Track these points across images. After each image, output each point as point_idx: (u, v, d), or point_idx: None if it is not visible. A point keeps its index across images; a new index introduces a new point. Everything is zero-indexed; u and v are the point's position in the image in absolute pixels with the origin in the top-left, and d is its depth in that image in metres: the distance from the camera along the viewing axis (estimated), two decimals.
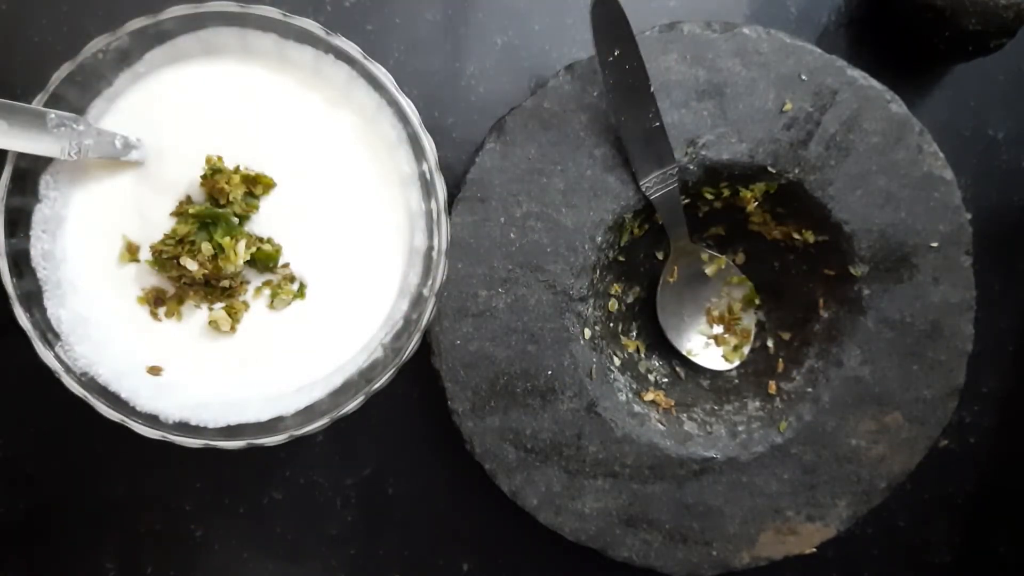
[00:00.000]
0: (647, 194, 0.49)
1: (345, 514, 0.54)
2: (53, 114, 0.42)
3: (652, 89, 0.47)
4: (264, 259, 0.46)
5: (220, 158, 0.46)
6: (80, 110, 0.45)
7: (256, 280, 0.47)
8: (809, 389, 0.51)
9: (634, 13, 0.45)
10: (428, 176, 0.46)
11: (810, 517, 0.50)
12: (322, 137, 0.47)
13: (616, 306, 0.54)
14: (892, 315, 0.50)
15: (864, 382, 0.50)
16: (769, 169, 0.49)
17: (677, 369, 0.56)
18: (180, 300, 0.47)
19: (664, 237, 0.53)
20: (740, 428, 0.51)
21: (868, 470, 0.50)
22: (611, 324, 0.54)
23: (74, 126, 0.43)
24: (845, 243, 0.50)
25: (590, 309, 0.51)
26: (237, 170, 0.46)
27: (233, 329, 0.47)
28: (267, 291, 0.47)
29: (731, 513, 0.50)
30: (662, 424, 0.51)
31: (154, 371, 0.47)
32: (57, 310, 0.46)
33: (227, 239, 0.45)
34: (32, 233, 0.46)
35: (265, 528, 0.54)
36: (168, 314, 0.47)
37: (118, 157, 0.45)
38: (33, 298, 0.45)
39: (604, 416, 0.49)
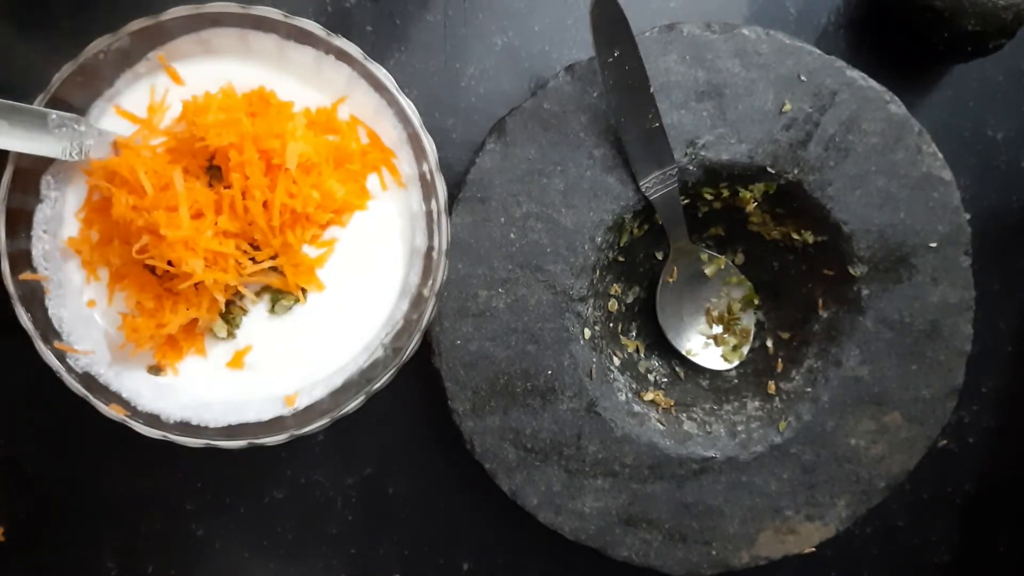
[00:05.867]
0: (647, 194, 0.49)
1: (346, 513, 0.54)
2: (54, 115, 0.42)
3: (652, 90, 0.47)
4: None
5: None
6: (81, 111, 0.45)
7: (256, 284, 0.47)
8: (808, 389, 0.51)
9: (634, 14, 0.45)
10: (428, 176, 0.46)
11: (809, 517, 0.50)
12: None
13: (616, 306, 0.54)
14: (891, 315, 0.50)
15: (863, 382, 0.50)
16: (768, 169, 0.50)
17: (677, 369, 0.56)
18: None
19: (664, 237, 0.53)
20: (739, 428, 0.52)
21: (867, 470, 0.50)
22: (611, 324, 0.54)
23: (75, 127, 0.43)
24: (844, 243, 0.50)
25: (590, 309, 0.51)
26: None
27: (231, 335, 0.47)
28: (268, 296, 0.47)
29: (730, 513, 0.50)
30: (662, 424, 0.52)
31: (155, 371, 0.47)
32: (58, 310, 0.46)
33: None
34: (33, 233, 0.46)
35: (266, 527, 0.54)
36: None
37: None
38: (35, 298, 0.45)
39: (604, 416, 0.49)
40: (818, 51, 0.49)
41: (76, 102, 0.45)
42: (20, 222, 0.45)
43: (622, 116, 0.47)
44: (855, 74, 0.49)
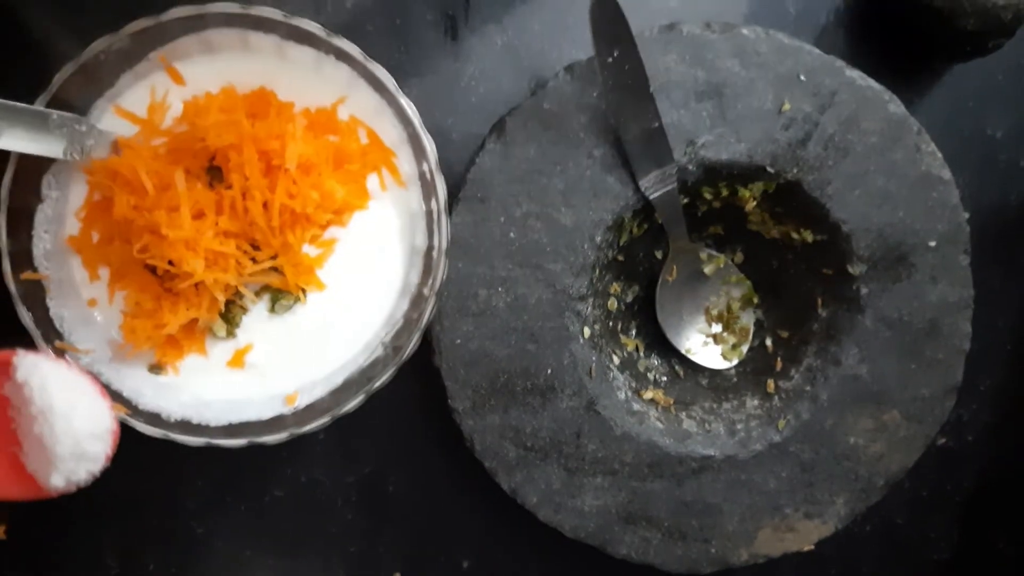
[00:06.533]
0: (646, 194, 0.49)
1: (346, 512, 0.54)
2: (55, 115, 0.43)
3: (651, 89, 0.47)
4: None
5: None
6: (82, 111, 0.45)
7: (256, 284, 0.47)
8: (807, 387, 0.51)
9: (633, 13, 0.45)
10: (428, 176, 0.46)
11: (808, 515, 0.50)
12: None
13: (615, 305, 0.54)
14: (890, 314, 0.50)
15: (862, 380, 0.50)
16: (768, 169, 0.50)
17: (676, 368, 0.56)
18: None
19: (663, 236, 0.53)
20: (739, 426, 0.52)
21: (866, 468, 0.50)
22: (610, 323, 0.54)
23: (76, 127, 0.43)
24: (843, 242, 0.50)
25: (589, 308, 0.51)
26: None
27: (231, 334, 0.47)
28: (268, 295, 0.47)
29: (730, 511, 0.50)
30: (661, 422, 0.52)
31: (156, 369, 0.47)
32: (59, 309, 0.46)
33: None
34: (35, 233, 0.46)
35: (266, 526, 0.54)
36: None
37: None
38: (36, 297, 0.46)
39: (603, 414, 0.50)
40: (817, 51, 0.49)
41: (77, 102, 0.45)
42: (21, 221, 0.45)
43: (622, 116, 0.47)
44: (854, 73, 0.49)
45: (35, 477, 0.40)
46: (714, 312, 0.55)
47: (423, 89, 0.53)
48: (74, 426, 0.38)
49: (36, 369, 0.38)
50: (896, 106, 0.49)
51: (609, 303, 0.54)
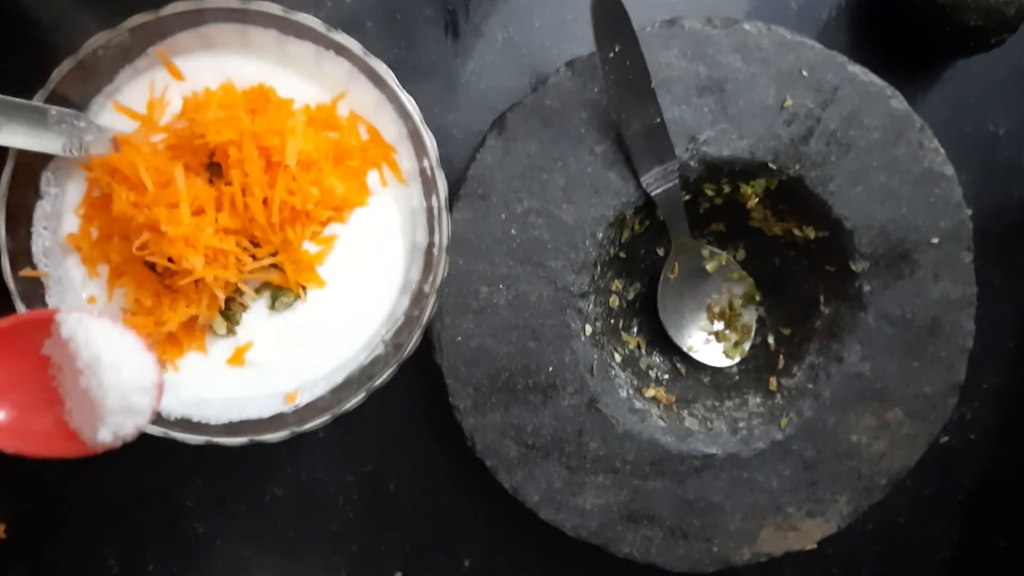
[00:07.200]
0: (648, 190, 0.49)
1: (347, 510, 0.54)
2: (54, 111, 0.42)
3: (653, 85, 0.47)
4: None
5: None
6: (81, 107, 0.45)
7: (256, 281, 0.47)
8: (810, 385, 0.51)
9: (635, 9, 0.45)
10: (429, 172, 0.46)
11: (811, 513, 0.50)
12: None
13: (617, 302, 0.54)
14: (893, 311, 0.50)
15: (865, 378, 0.50)
16: (770, 165, 0.49)
17: (678, 365, 0.56)
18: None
19: (665, 233, 0.53)
20: (741, 424, 0.52)
21: (869, 466, 0.50)
22: (612, 320, 0.54)
23: (75, 123, 0.43)
24: (846, 239, 0.50)
25: (591, 305, 0.51)
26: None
27: (231, 332, 0.47)
28: (268, 292, 0.47)
29: (732, 509, 0.50)
30: (663, 420, 0.51)
31: None
32: (59, 306, 0.46)
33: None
34: (33, 230, 0.46)
35: (267, 525, 0.54)
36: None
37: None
38: (35, 294, 0.45)
39: (605, 412, 0.49)
40: (819, 46, 0.49)
41: (76, 98, 0.45)
42: (20, 218, 0.45)
43: (623, 112, 0.47)
44: (856, 69, 0.49)
45: (80, 434, 0.39)
46: (716, 309, 0.55)
47: (423, 85, 0.53)
48: (123, 378, 0.38)
49: (80, 325, 0.38)
50: (898, 102, 0.49)
51: (611, 300, 0.54)
